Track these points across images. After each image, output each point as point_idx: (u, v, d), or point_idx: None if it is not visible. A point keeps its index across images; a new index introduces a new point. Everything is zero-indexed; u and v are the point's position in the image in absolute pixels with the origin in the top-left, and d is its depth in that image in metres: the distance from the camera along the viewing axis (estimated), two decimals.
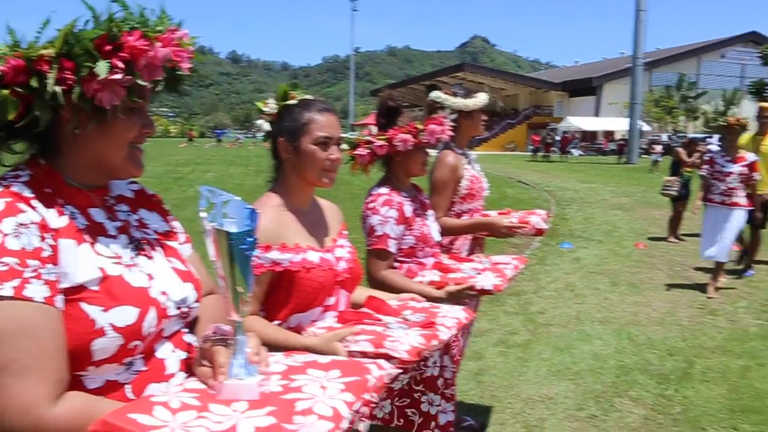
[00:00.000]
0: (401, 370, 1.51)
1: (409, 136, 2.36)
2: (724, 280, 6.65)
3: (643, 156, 36.35)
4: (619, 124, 43.57)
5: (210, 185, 1.19)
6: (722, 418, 3.69)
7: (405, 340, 1.58)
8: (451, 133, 2.59)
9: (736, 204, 6.29)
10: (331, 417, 1.03)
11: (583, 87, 54.09)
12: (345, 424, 1.04)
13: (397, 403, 2.12)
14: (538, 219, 2.92)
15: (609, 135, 48.74)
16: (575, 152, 44.70)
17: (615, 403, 3.87)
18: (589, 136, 50.77)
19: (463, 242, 2.98)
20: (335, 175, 1.85)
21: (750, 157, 6.40)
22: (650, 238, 9.66)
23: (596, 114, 51.87)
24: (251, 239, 1.12)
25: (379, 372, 1.23)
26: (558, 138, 39.44)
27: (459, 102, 2.88)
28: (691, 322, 5.52)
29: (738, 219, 6.32)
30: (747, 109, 46.68)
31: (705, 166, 6.62)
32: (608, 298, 6.25)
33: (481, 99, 2.93)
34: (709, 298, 6.24)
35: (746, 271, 7.27)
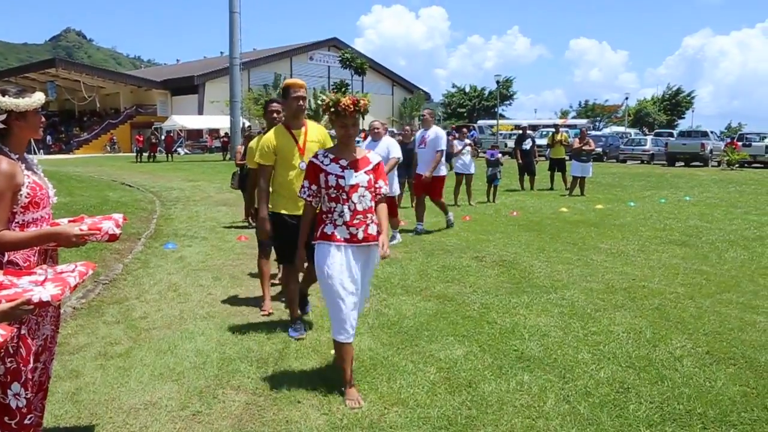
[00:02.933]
0: None
1: None
2: None
3: None
4: (222, 122, 44.61)
5: None
6: (313, 387, 4.02)
7: None
8: None
9: None
10: None
11: (186, 85, 53.99)
12: None
13: None
14: (111, 224, 2.78)
15: (214, 133, 49.65)
16: (182, 151, 44.55)
17: (218, 395, 3.95)
18: (194, 135, 51.08)
19: (30, 255, 2.71)
20: None
21: None
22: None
23: (200, 112, 52.32)
24: None
25: None
26: (162, 137, 38.83)
27: (8, 102, 2.60)
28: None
29: None
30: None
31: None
32: (212, 293, 6.36)
33: (36, 99, 2.68)
34: None
35: None
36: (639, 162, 33.59)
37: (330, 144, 5.07)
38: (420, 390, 4.00)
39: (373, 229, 3.98)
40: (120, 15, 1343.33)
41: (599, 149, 29.99)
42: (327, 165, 3.98)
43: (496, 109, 59.20)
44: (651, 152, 33.64)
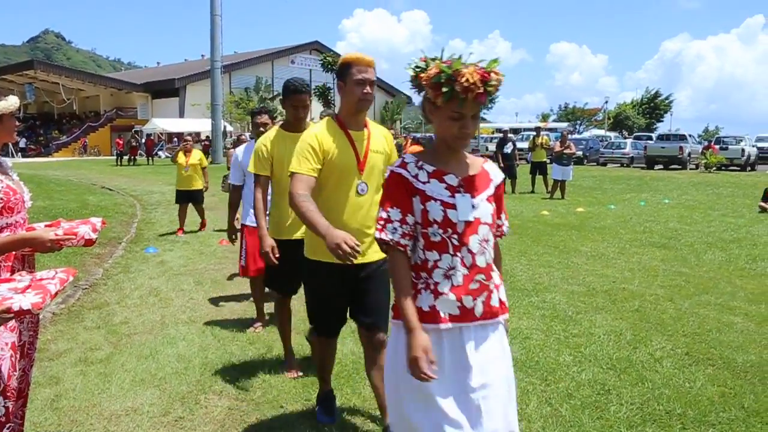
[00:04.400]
0: None
1: None
2: None
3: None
4: (203, 125, 44.40)
5: None
6: (297, 393, 4.01)
7: None
8: None
9: None
10: None
11: (167, 88, 53.62)
12: None
13: None
14: (87, 228, 2.73)
15: (195, 136, 49.39)
16: (162, 154, 44.24)
17: (200, 401, 3.92)
18: (175, 138, 50.77)
19: (5, 261, 2.67)
20: None
21: None
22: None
23: (181, 115, 52.00)
24: None
25: None
26: (143, 141, 38.58)
27: None
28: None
29: None
30: (315, 111, 51.94)
31: None
32: (193, 298, 6.32)
33: (11, 102, 2.65)
34: None
35: None
36: (619, 165, 33.81)
37: (396, 158, 3.16)
38: None
39: (496, 299, 2.28)
40: (99, 17, 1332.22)
41: (580, 152, 30.18)
42: (425, 183, 2.23)
43: None
44: (630, 155, 33.90)
